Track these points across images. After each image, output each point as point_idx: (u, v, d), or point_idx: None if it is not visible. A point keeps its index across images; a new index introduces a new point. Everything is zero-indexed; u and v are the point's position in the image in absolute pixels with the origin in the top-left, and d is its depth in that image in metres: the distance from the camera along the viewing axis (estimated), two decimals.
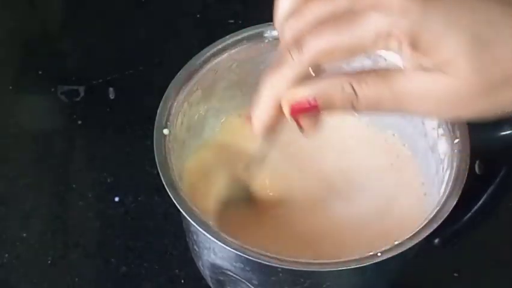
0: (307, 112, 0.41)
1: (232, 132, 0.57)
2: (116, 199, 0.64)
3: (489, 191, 0.53)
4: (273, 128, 0.43)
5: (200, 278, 0.56)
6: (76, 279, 0.60)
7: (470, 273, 0.60)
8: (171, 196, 0.46)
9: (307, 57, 0.40)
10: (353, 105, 0.40)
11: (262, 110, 0.43)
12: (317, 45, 0.40)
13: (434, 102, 0.40)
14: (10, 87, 0.72)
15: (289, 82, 0.41)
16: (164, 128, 0.50)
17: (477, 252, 0.61)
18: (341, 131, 0.57)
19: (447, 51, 0.38)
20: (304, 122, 0.43)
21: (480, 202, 0.54)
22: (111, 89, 0.71)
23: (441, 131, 0.51)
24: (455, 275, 0.60)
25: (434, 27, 0.38)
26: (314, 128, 0.43)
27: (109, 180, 0.65)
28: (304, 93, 0.41)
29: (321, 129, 0.44)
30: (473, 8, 0.39)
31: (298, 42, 0.40)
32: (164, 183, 0.47)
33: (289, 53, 0.40)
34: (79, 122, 0.69)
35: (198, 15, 0.77)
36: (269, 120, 0.43)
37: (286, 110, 0.41)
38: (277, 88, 0.41)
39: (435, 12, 0.38)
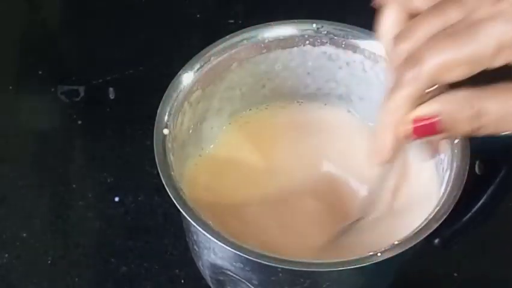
0: (428, 134, 0.39)
1: (233, 131, 0.57)
2: (116, 199, 0.64)
3: (489, 191, 0.53)
4: (395, 157, 0.41)
5: (200, 278, 0.56)
6: (76, 279, 0.60)
7: (470, 273, 0.60)
8: (171, 196, 0.46)
9: (427, 72, 0.37)
10: (477, 126, 0.38)
11: (384, 140, 0.41)
12: (436, 59, 0.37)
13: None
14: (10, 87, 0.72)
15: (411, 103, 0.39)
16: (164, 128, 0.50)
17: (477, 252, 0.61)
18: (341, 131, 0.57)
19: None
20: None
21: (480, 202, 0.54)
22: (111, 89, 0.71)
23: None
24: (455, 275, 0.60)
25: None
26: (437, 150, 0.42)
27: (109, 180, 0.65)
28: (427, 111, 0.38)
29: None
30: None
31: (414, 58, 0.38)
32: (164, 183, 0.47)
33: (405, 71, 0.38)
34: (79, 122, 0.69)
35: (198, 15, 0.77)
36: (395, 149, 0.41)
37: (407, 132, 0.39)
38: (398, 112, 0.39)
39: None
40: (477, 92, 0.38)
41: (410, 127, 0.40)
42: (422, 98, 0.40)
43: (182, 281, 0.59)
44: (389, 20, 0.42)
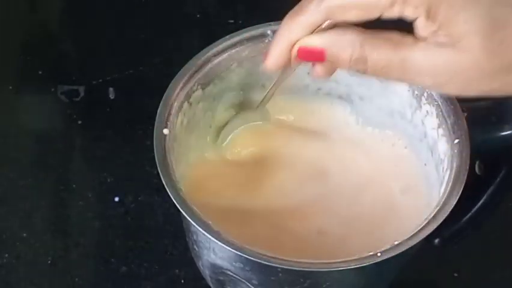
0: (314, 60, 0.43)
1: (233, 131, 0.57)
2: (116, 199, 0.64)
3: (489, 191, 0.53)
4: (282, 67, 0.46)
5: (200, 278, 0.56)
6: (76, 279, 0.60)
7: (470, 273, 0.60)
8: (171, 196, 0.46)
9: (325, 7, 0.41)
10: (359, 66, 0.41)
11: (276, 50, 0.45)
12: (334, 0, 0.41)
13: (441, 77, 0.40)
14: (10, 87, 0.72)
15: (305, 28, 0.43)
16: (164, 128, 0.50)
17: (477, 252, 0.61)
18: (341, 131, 0.57)
19: (462, 26, 0.38)
20: (317, 67, 0.45)
21: (480, 202, 0.54)
22: (111, 89, 0.71)
23: (441, 131, 0.51)
24: (455, 275, 0.60)
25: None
26: (325, 76, 0.45)
27: (109, 180, 0.65)
28: (315, 42, 0.42)
29: (330, 77, 0.46)
30: None
31: None
32: (164, 183, 0.47)
33: (309, 2, 0.42)
34: (79, 122, 0.69)
35: (198, 15, 0.77)
36: (281, 60, 0.45)
37: (294, 53, 0.44)
38: (293, 32, 0.43)
39: None
40: (364, 39, 0.41)
41: (296, 49, 0.44)
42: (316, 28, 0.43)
43: (182, 281, 0.60)
44: None
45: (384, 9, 0.40)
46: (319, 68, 0.45)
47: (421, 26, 0.40)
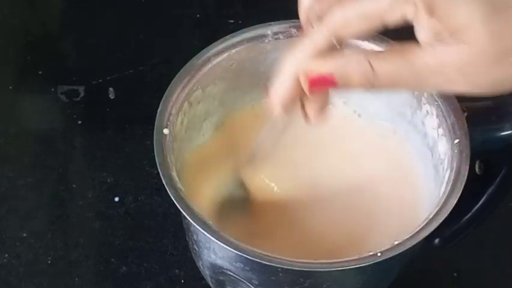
0: (325, 86, 0.41)
1: (233, 132, 0.57)
2: (116, 199, 0.64)
3: (489, 191, 0.53)
4: (290, 107, 0.43)
5: (200, 278, 0.56)
6: (76, 279, 0.60)
7: (470, 273, 0.60)
8: (171, 196, 0.46)
9: (327, 27, 0.40)
10: (371, 82, 0.40)
11: (282, 84, 0.42)
12: (336, 15, 0.40)
13: (451, 74, 0.39)
14: (10, 87, 0.72)
15: (310, 55, 0.41)
16: (165, 128, 0.50)
17: (477, 252, 0.61)
18: (341, 131, 0.57)
19: (462, 18, 0.38)
20: (309, 109, 0.43)
21: (480, 202, 0.54)
22: (111, 89, 0.71)
23: (441, 131, 0.51)
24: (455, 275, 0.60)
25: None
26: (319, 117, 0.44)
27: (109, 180, 0.65)
28: (322, 68, 0.41)
29: (326, 120, 0.44)
30: None
31: (319, 17, 0.41)
32: (164, 183, 0.47)
33: (312, 29, 0.41)
34: (79, 122, 0.69)
35: (198, 15, 0.77)
36: (288, 96, 0.42)
37: (304, 82, 0.41)
38: (298, 61, 0.42)
39: None
40: (369, 54, 0.41)
41: (306, 78, 0.42)
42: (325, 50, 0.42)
43: (182, 281, 0.60)
44: None
45: (385, 12, 0.40)
46: (312, 110, 0.43)
47: (423, 27, 0.40)
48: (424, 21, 0.39)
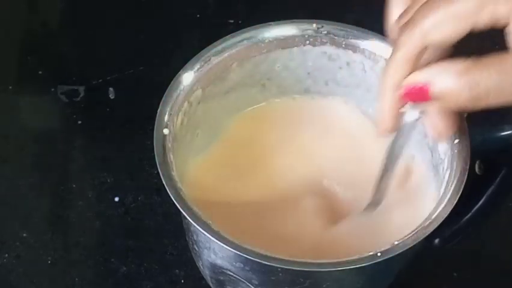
0: (419, 99, 0.40)
1: (233, 131, 0.57)
2: (116, 199, 0.64)
3: (489, 191, 0.53)
4: (397, 122, 0.43)
5: (200, 278, 0.56)
6: (76, 279, 0.60)
7: (470, 273, 0.60)
8: (171, 196, 0.46)
9: (417, 32, 0.39)
10: (473, 95, 0.38)
11: (385, 106, 0.42)
12: (425, 18, 0.39)
13: None
14: (10, 87, 0.72)
15: (406, 64, 0.40)
16: (165, 128, 0.50)
17: (477, 252, 0.61)
18: (340, 130, 0.57)
19: None
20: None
21: (480, 202, 0.54)
22: (111, 89, 0.71)
23: None
24: (455, 275, 0.60)
25: None
26: (445, 125, 0.43)
27: (109, 180, 0.65)
28: (418, 76, 0.40)
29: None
30: None
31: (407, 23, 0.40)
32: (164, 183, 0.47)
33: (400, 36, 0.40)
34: (79, 122, 0.69)
35: (198, 15, 0.77)
36: (393, 117, 0.42)
37: (399, 95, 0.41)
38: (396, 74, 0.41)
39: None
40: (471, 64, 0.39)
41: (402, 91, 0.41)
42: (418, 64, 0.41)
43: (182, 281, 0.60)
44: (397, 9, 0.43)
45: (475, 13, 0.38)
46: (437, 123, 0.42)
47: None
48: None
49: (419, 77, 0.40)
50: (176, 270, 0.60)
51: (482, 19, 0.38)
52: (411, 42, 0.40)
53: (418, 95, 0.40)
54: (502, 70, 0.38)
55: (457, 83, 0.39)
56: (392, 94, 0.42)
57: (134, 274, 0.60)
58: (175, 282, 0.60)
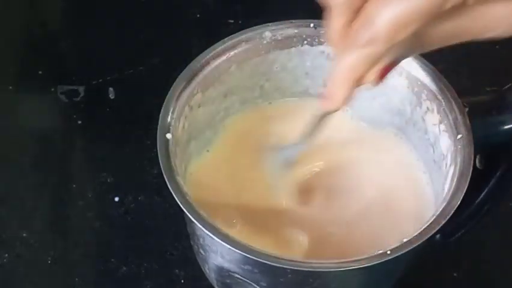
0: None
1: (234, 133, 0.57)
2: (116, 199, 0.64)
3: (490, 185, 0.53)
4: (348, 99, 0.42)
5: (200, 278, 0.56)
6: (76, 279, 0.60)
7: (470, 273, 0.60)
8: (178, 202, 0.46)
9: (384, 34, 0.35)
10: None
11: (338, 91, 0.41)
12: (386, 14, 0.35)
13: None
14: (10, 87, 0.72)
15: (371, 61, 0.38)
16: (167, 132, 0.50)
17: (477, 252, 0.61)
18: (342, 129, 0.57)
19: None
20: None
21: (481, 196, 0.54)
22: (111, 89, 0.71)
23: (443, 127, 0.51)
24: (455, 275, 0.60)
25: None
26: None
27: (109, 180, 0.65)
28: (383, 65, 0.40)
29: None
30: None
31: (364, 15, 0.36)
32: (170, 188, 0.46)
33: (360, 30, 0.36)
34: (79, 122, 0.69)
35: (198, 15, 0.77)
36: (344, 102, 0.41)
37: (373, 79, 0.40)
38: (358, 70, 0.39)
39: None
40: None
41: (375, 76, 0.40)
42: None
43: (182, 281, 0.60)
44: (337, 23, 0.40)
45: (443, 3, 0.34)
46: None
47: None
48: None
49: (382, 64, 0.40)
50: (176, 270, 0.60)
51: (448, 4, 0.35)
52: (377, 44, 0.37)
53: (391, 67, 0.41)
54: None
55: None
56: (350, 85, 0.40)
57: (134, 274, 0.60)
58: (175, 282, 0.60)
